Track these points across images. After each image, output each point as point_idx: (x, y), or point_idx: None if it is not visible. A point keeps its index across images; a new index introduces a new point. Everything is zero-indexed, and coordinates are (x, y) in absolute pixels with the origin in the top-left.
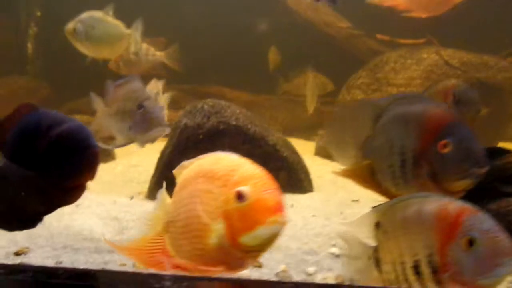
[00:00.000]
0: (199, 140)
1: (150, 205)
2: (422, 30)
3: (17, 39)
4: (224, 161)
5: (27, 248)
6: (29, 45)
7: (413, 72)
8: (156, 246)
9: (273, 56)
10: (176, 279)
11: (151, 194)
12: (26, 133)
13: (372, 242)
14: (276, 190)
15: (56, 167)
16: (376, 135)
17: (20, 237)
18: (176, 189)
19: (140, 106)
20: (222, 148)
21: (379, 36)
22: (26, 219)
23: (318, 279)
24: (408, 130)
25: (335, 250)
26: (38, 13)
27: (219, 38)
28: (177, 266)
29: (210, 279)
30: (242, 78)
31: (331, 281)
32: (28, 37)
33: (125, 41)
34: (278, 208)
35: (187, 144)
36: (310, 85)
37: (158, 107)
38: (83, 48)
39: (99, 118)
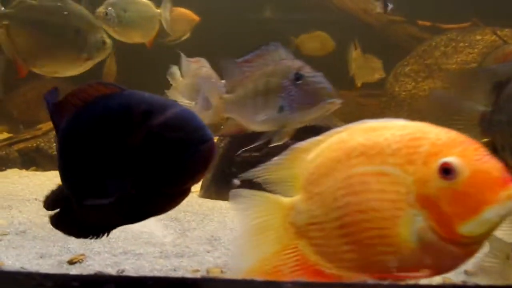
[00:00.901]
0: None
1: (210, 204)
2: (459, 13)
3: None
4: (390, 129)
5: (82, 255)
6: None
7: (467, 56)
8: (291, 258)
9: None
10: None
11: (207, 191)
12: (110, 122)
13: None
14: (490, 154)
15: (158, 168)
16: (498, 108)
17: (72, 243)
18: (308, 181)
19: (297, 77)
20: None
21: (420, 22)
22: (96, 228)
23: None
24: None
25: None
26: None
27: (246, 29)
28: (332, 277)
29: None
30: None
31: None
32: None
33: (157, 22)
34: (507, 178)
35: (245, 133)
36: (359, 63)
37: (320, 74)
38: (114, 34)
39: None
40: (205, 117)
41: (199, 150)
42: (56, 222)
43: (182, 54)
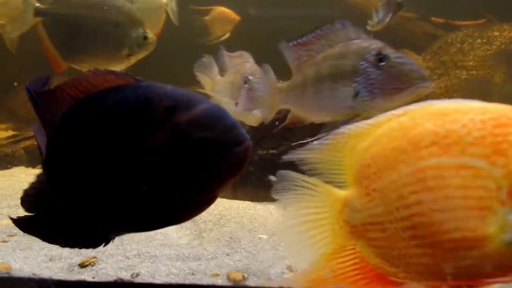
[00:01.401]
0: (275, 127)
1: (226, 203)
2: (471, 10)
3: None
4: (467, 114)
5: (94, 258)
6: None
7: (485, 52)
8: (350, 260)
9: None
10: None
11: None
12: (123, 118)
13: None
14: None
15: (183, 172)
16: None
17: None
18: (363, 174)
19: (381, 58)
20: (302, 137)
21: (434, 19)
22: (100, 237)
23: None
24: None
25: None
26: None
27: (252, 26)
28: (397, 283)
29: None
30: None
31: None
32: None
33: (163, 13)
34: None
35: (262, 133)
36: None
37: (406, 56)
38: None
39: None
40: (250, 119)
41: (232, 153)
42: (31, 225)
43: (222, 48)
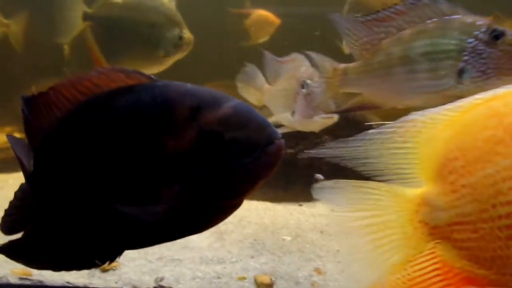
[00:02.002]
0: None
1: (245, 204)
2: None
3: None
4: None
5: (115, 262)
6: (66, 46)
7: None
8: (429, 265)
9: None
10: None
11: None
12: (137, 121)
13: None
14: None
15: (213, 176)
16: None
17: None
18: (447, 168)
19: (497, 35)
20: (318, 134)
21: None
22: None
23: None
24: None
25: None
26: None
27: None
28: (490, 283)
29: None
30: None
31: None
32: None
33: None
34: None
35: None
36: None
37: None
38: None
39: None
40: (310, 126)
41: (265, 153)
42: (18, 250)
43: (266, 53)
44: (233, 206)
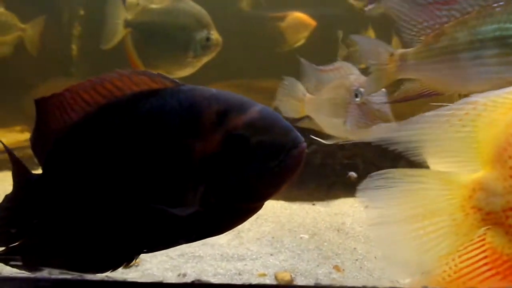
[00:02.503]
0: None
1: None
2: None
3: (60, 40)
4: None
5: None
6: (73, 46)
7: None
8: (477, 253)
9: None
10: None
11: None
12: (164, 125)
13: None
14: None
15: (238, 179)
16: None
17: None
18: (509, 153)
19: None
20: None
21: None
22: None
23: None
24: None
25: None
26: (81, 12)
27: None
28: None
29: None
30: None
31: None
32: (72, 37)
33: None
34: None
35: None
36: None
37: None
38: None
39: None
40: (365, 135)
41: (290, 156)
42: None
43: (303, 61)
44: (254, 209)
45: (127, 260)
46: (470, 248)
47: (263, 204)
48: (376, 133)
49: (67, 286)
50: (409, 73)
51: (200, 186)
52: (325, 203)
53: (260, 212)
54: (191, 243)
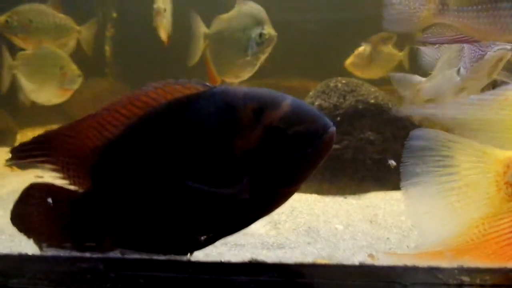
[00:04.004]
0: (336, 123)
1: (295, 196)
2: None
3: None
4: None
5: None
6: (107, 48)
7: None
8: (507, 224)
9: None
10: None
11: None
12: (205, 126)
13: None
14: None
15: (279, 167)
16: None
17: None
18: None
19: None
20: (362, 130)
21: None
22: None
23: None
24: None
25: None
26: (114, 15)
27: (300, 31)
28: None
29: None
30: (322, 71)
31: None
32: (105, 39)
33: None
34: None
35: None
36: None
37: None
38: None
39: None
40: (481, 72)
41: (323, 141)
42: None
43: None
44: (293, 192)
45: (193, 247)
46: (499, 218)
47: (300, 186)
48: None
49: (136, 264)
50: (447, 18)
51: (245, 179)
52: (356, 196)
53: (295, 204)
54: None
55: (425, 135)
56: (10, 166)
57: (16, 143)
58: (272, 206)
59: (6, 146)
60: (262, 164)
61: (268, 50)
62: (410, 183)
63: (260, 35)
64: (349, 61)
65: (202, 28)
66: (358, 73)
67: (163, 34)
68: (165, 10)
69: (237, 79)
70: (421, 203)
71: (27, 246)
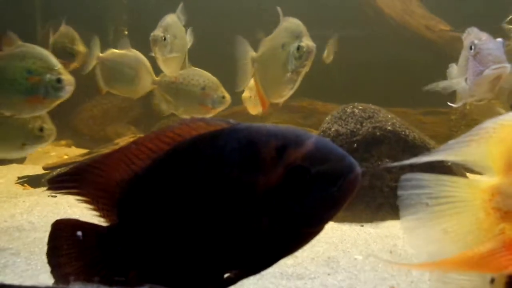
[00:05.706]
0: (354, 149)
1: None
2: None
3: None
4: None
5: None
6: None
7: None
8: (498, 242)
9: None
10: None
11: None
12: (228, 163)
13: None
14: None
15: (302, 206)
16: None
17: None
18: None
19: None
20: (380, 157)
21: None
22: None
23: None
24: None
25: None
26: (126, 32)
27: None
28: None
29: None
30: (333, 91)
31: None
32: None
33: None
34: None
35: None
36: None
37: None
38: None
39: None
40: (483, 86)
41: (348, 181)
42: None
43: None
44: (317, 232)
45: (216, 284)
46: (490, 237)
47: (324, 226)
48: (491, 78)
49: None
50: None
51: (264, 217)
52: (373, 224)
53: None
54: None
55: (415, 177)
56: (22, 184)
57: (26, 160)
58: (295, 246)
59: (17, 163)
60: (285, 203)
61: (309, 63)
62: (408, 213)
63: (298, 48)
64: None
65: (250, 52)
66: None
67: (163, 66)
68: (164, 38)
69: (281, 98)
70: (418, 231)
71: (42, 269)
